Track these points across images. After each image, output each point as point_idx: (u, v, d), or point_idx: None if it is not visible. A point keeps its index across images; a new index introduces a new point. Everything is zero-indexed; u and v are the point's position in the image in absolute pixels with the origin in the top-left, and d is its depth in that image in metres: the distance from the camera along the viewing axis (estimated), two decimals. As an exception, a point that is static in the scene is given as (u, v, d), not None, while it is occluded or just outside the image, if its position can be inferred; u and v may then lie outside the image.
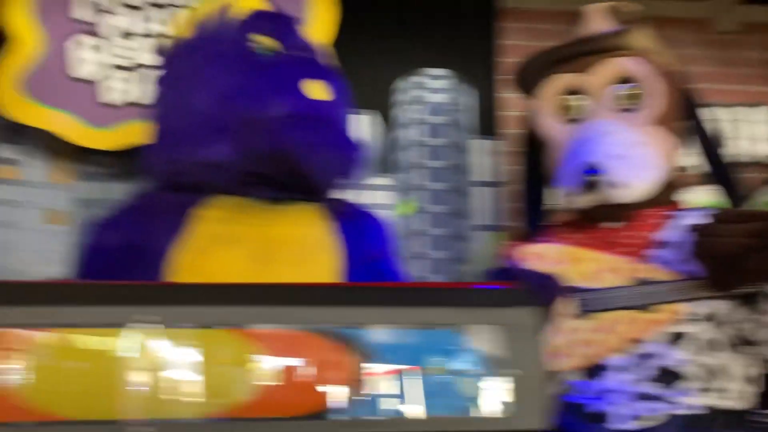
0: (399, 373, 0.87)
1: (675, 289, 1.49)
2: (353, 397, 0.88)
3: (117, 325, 0.82)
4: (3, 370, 0.83)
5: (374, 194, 2.17)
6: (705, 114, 1.73)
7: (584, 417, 1.45)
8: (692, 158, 1.79)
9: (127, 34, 2.08)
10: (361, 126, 2.08)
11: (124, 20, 2.08)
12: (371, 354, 0.89)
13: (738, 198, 1.69)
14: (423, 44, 2.30)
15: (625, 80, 1.64)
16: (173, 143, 1.47)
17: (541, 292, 1.08)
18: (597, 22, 1.71)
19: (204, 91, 1.44)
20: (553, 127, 1.70)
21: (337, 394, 0.87)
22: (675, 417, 1.40)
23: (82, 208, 2.06)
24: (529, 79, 1.76)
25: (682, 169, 1.78)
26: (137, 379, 0.84)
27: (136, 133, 1.94)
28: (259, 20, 1.51)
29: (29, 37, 2.01)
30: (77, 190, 2.08)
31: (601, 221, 1.61)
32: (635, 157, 1.57)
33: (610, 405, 1.43)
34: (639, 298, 1.49)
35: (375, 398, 0.87)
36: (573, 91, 1.67)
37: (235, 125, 1.38)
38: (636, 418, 1.41)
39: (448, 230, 2.19)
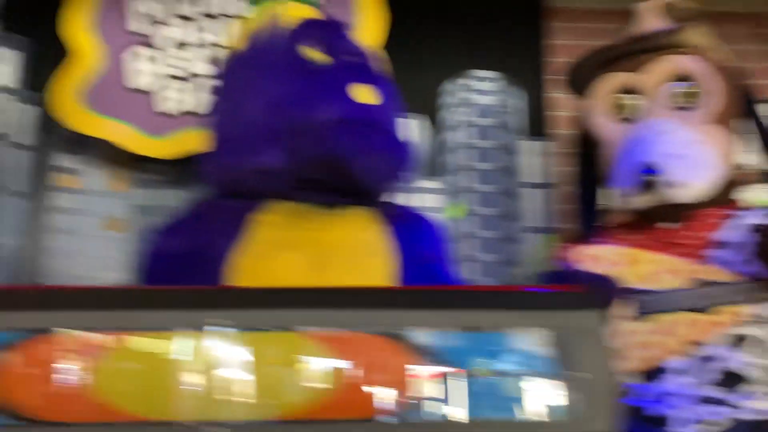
0: (465, 376, 0.88)
1: (736, 291, 1.45)
2: (418, 400, 0.88)
3: (193, 328, 0.85)
4: (84, 372, 0.86)
5: (423, 197, 2.17)
6: (763, 110, 1.69)
7: (644, 420, 1.43)
8: (751, 156, 1.75)
9: (182, 45, 2.13)
10: (409, 129, 2.09)
11: (178, 31, 2.13)
12: (440, 358, 0.89)
13: (801, 196, 1.64)
14: (470, 46, 2.30)
15: (681, 78, 1.61)
16: (228, 151, 1.50)
17: (600, 294, 1.07)
18: (651, 19, 1.69)
19: (255, 101, 1.47)
20: (607, 127, 1.68)
21: (411, 396, 0.88)
22: (740, 422, 1.37)
23: (139, 215, 2.11)
24: (581, 78, 1.75)
25: (741, 167, 1.74)
26: (210, 381, 0.86)
27: (190, 141, 1.99)
28: (309, 29, 1.54)
29: (89, 50, 2.08)
30: (135, 198, 2.13)
31: (659, 222, 1.58)
32: (693, 156, 1.54)
33: (670, 408, 1.41)
34: (699, 299, 1.46)
35: (441, 402, 0.87)
36: (627, 90, 1.65)
37: (285, 132, 1.41)
38: (699, 422, 1.39)
39: (498, 233, 2.17)
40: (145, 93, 2.09)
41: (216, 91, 1.62)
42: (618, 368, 0.95)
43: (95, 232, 2.09)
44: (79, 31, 2.08)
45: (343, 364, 0.90)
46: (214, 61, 1.71)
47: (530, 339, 0.92)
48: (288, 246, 1.38)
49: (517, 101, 2.26)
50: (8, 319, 0.85)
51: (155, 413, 0.85)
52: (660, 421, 1.41)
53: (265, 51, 1.53)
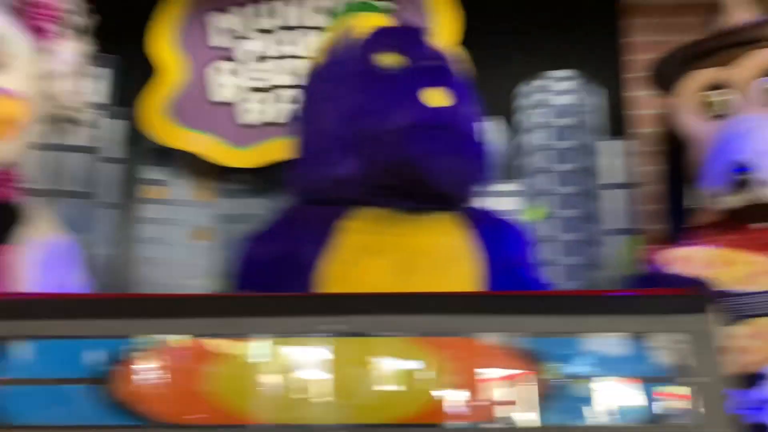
0: (588, 382, 0.88)
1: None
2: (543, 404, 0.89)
3: (304, 333, 0.88)
4: (204, 377, 0.90)
5: (500, 200, 2.15)
6: None
7: (743, 428, 1.37)
8: None
9: (262, 58, 2.18)
10: (486, 132, 2.08)
11: (258, 44, 2.19)
12: (548, 364, 0.89)
13: None
14: (545, 46, 2.27)
15: (773, 72, 1.55)
16: (309, 162, 1.54)
17: (705, 296, 1.04)
18: (739, 12, 1.63)
19: (331, 112, 1.50)
20: (695, 125, 1.63)
21: (522, 402, 0.88)
22: None
23: (224, 224, 2.17)
24: (666, 75, 1.71)
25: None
26: (323, 385, 0.89)
27: (273, 151, 2.05)
28: (383, 36, 1.55)
29: (174, 66, 2.16)
30: (220, 207, 2.19)
31: (753, 222, 1.53)
32: (788, 153, 1.48)
33: (772, 416, 1.36)
34: (799, 302, 1.41)
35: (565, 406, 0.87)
36: (715, 86, 1.60)
37: (359, 141, 1.43)
38: (803, 430, 1.33)
39: (579, 235, 2.14)
40: (228, 105, 2.16)
41: (298, 102, 1.66)
42: (730, 373, 0.92)
43: (182, 242, 2.16)
44: (165, 48, 2.17)
45: (448, 368, 0.90)
46: (294, 73, 1.75)
47: (647, 344, 0.91)
48: (374, 252, 1.40)
49: (595, 100, 2.22)
50: (132, 327, 0.89)
51: (276, 416, 0.88)
52: (762, 430, 1.36)
53: (339, 62, 1.56)
